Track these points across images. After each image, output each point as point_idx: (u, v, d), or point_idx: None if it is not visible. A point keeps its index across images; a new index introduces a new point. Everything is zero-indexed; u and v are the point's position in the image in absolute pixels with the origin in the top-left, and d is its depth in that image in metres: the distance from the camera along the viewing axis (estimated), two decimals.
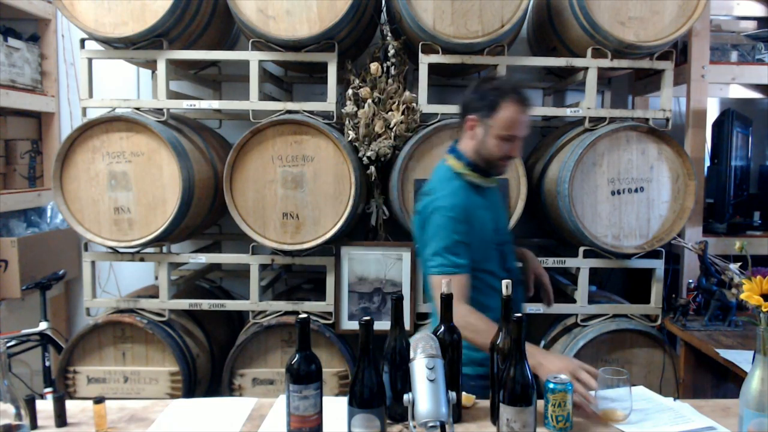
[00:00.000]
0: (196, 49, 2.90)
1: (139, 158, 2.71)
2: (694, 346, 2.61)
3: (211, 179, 2.94)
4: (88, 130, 2.70)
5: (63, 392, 2.76)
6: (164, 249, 2.85)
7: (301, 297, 3.06)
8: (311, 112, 2.79)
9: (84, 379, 2.83)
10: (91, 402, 1.51)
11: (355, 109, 2.77)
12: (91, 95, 2.82)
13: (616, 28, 2.66)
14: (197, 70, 3.36)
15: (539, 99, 3.56)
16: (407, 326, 2.76)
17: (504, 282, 1.52)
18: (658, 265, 2.84)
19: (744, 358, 2.26)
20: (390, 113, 2.77)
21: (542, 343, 2.97)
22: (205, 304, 2.91)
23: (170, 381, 2.84)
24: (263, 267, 2.93)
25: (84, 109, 2.82)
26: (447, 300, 1.55)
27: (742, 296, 1.32)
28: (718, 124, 3.17)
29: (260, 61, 2.79)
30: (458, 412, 1.55)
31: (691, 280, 2.89)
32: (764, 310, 1.28)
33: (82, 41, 2.82)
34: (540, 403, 1.46)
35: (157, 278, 3.07)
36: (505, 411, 1.35)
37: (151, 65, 3.06)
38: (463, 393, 1.59)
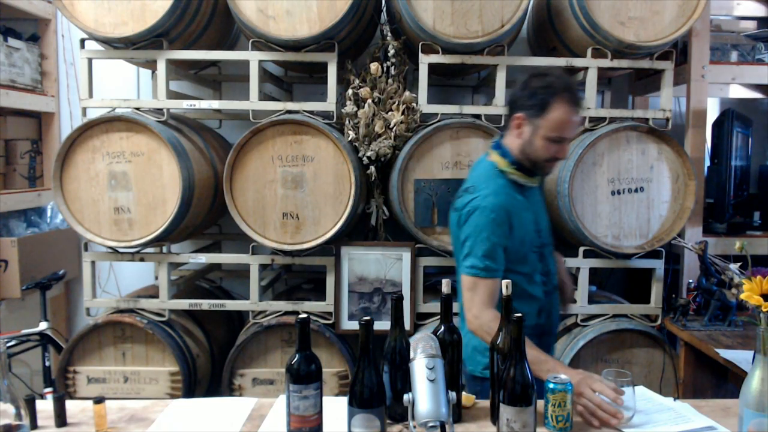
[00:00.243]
0: (196, 49, 2.90)
1: (139, 158, 2.71)
2: (694, 346, 2.61)
3: (211, 179, 2.94)
4: (88, 130, 2.70)
5: (63, 392, 2.76)
6: (164, 249, 2.85)
7: (301, 297, 3.06)
8: (311, 112, 2.79)
9: (84, 379, 2.83)
10: (91, 402, 1.51)
11: (355, 109, 2.77)
12: (91, 95, 2.82)
13: (616, 28, 2.66)
14: (197, 70, 3.36)
15: None
16: (407, 326, 2.77)
17: (504, 282, 1.52)
18: (658, 265, 2.84)
19: (744, 358, 2.26)
20: (390, 113, 2.77)
21: None
22: (205, 304, 2.91)
23: (170, 381, 2.84)
24: (263, 267, 2.93)
25: (84, 109, 2.82)
26: (447, 300, 1.55)
27: (742, 296, 1.32)
28: (718, 124, 3.17)
29: (260, 61, 2.79)
30: (458, 412, 1.55)
31: (691, 280, 2.89)
32: (764, 310, 1.28)
33: (82, 41, 2.82)
34: (540, 403, 1.46)
35: (157, 278, 3.07)
36: (505, 411, 1.35)
37: (151, 65, 3.06)
38: (463, 393, 1.59)
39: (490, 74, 3.01)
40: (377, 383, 1.35)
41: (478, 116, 2.79)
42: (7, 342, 2.78)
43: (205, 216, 3.01)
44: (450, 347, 1.52)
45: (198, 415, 1.60)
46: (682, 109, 3.34)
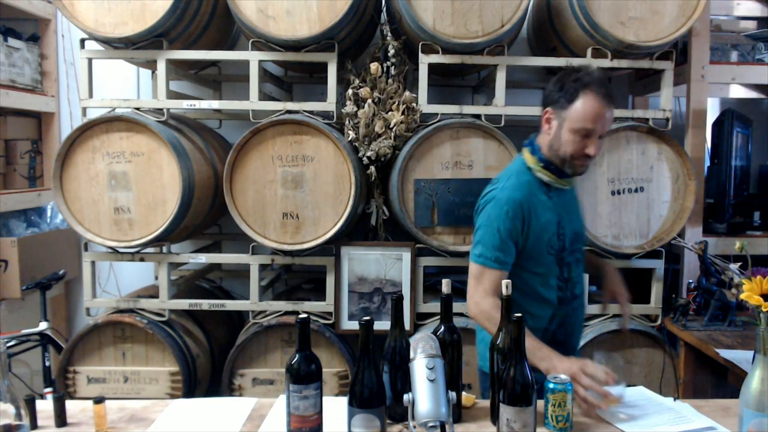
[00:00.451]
0: (196, 49, 2.90)
1: (139, 158, 2.71)
2: (694, 346, 2.61)
3: (211, 179, 2.94)
4: (88, 130, 2.70)
5: (63, 392, 2.76)
6: (164, 249, 2.85)
7: (301, 297, 3.06)
8: (311, 112, 2.79)
9: (84, 379, 2.83)
10: (91, 402, 1.51)
11: (355, 109, 2.77)
12: (91, 95, 2.82)
13: (616, 28, 2.66)
14: (197, 70, 3.36)
15: (539, 99, 3.54)
16: (407, 326, 2.76)
17: (504, 282, 1.52)
18: (658, 265, 2.84)
19: (744, 358, 2.26)
20: (390, 113, 2.77)
21: None
22: (205, 304, 2.91)
23: (170, 381, 2.84)
24: (263, 267, 2.93)
25: (84, 109, 2.82)
26: (447, 300, 1.55)
27: (742, 296, 1.32)
28: (718, 124, 3.17)
29: (260, 61, 2.79)
30: (458, 412, 1.55)
31: (691, 280, 2.89)
32: (764, 310, 1.28)
33: (82, 41, 2.82)
34: (540, 403, 1.46)
35: (157, 278, 3.07)
36: (505, 411, 1.35)
37: (151, 65, 3.06)
38: (464, 393, 1.59)
39: (490, 74, 3.01)
40: (377, 383, 1.35)
41: (478, 116, 2.79)
42: (7, 342, 2.78)
43: (205, 216, 3.01)
44: (450, 347, 1.52)
45: (198, 415, 1.60)
46: (682, 109, 3.34)
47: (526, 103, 2.94)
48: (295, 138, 2.70)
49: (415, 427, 1.34)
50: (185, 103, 2.86)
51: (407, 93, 2.78)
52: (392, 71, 2.82)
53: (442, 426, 1.29)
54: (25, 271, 3.01)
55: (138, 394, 2.82)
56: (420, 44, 2.72)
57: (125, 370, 2.84)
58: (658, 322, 2.85)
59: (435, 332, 1.52)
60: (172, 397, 2.79)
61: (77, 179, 2.71)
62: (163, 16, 2.63)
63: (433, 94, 2.96)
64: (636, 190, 2.76)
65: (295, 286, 3.41)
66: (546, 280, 1.84)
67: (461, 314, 2.83)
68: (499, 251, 1.76)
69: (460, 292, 3.25)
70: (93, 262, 2.88)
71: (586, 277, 2.06)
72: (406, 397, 1.35)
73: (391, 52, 2.82)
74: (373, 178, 2.85)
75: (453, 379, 1.50)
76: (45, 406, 1.57)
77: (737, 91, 3.42)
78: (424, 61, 2.74)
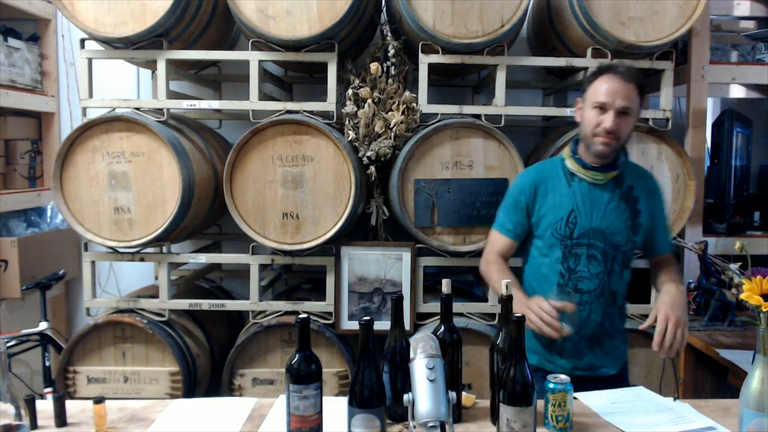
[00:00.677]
0: (196, 49, 2.90)
1: (139, 158, 2.71)
2: (694, 346, 2.61)
3: (211, 179, 2.94)
4: (88, 130, 2.70)
5: (63, 392, 2.76)
6: (164, 249, 2.85)
7: (301, 297, 3.06)
8: (311, 112, 2.79)
9: (84, 379, 2.83)
10: (91, 402, 1.51)
11: (355, 109, 2.77)
12: (91, 95, 2.82)
13: (616, 28, 2.66)
14: (197, 70, 3.36)
15: (539, 99, 3.56)
16: (407, 326, 2.76)
17: (504, 282, 1.52)
18: None
19: (744, 358, 2.27)
20: (390, 113, 2.77)
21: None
22: (205, 304, 2.91)
23: (170, 381, 2.84)
24: (263, 267, 2.93)
25: (84, 109, 2.82)
26: (447, 300, 1.55)
27: (742, 296, 1.32)
28: (718, 124, 3.17)
29: (260, 61, 2.78)
30: (458, 412, 1.55)
31: (691, 280, 2.89)
32: (764, 310, 1.28)
33: (82, 41, 2.82)
34: (540, 403, 1.46)
35: (157, 278, 3.07)
36: (505, 411, 1.35)
37: (151, 65, 3.06)
38: (464, 393, 1.59)
39: (490, 74, 3.01)
40: (377, 383, 1.35)
41: (478, 116, 2.79)
42: (7, 342, 2.78)
43: (205, 216, 3.01)
44: (450, 347, 1.52)
45: (198, 415, 1.60)
46: (682, 109, 3.34)
47: (526, 103, 2.95)
48: (295, 138, 2.70)
49: (415, 427, 1.34)
50: (185, 103, 2.86)
51: (407, 93, 2.78)
52: (392, 71, 2.82)
53: (442, 426, 1.29)
54: (25, 271, 3.01)
55: (138, 394, 2.82)
56: (420, 44, 2.72)
57: (125, 370, 2.84)
58: None
59: (435, 332, 1.52)
60: (172, 397, 2.79)
61: (77, 179, 2.71)
62: (163, 16, 2.63)
63: (433, 94, 2.96)
64: None
65: (295, 286, 3.41)
66: (549, 260, 1.95)
67: (461, 314, 2.83)
68: (503, 216, 2.03)
69: (460, 292, 3.25)
70: (93, 262, 2.88)
71: (621, 284, 2.05)
72: (406, 397, 1.35)
73: (391, 52, 2.82)
74: (373, 178, 2.85)
75: (453, 379, 1.50)
76: (45, 406, 1.57)
77: (737, 91, 3.42)
78: (424, 61, 2.74)
